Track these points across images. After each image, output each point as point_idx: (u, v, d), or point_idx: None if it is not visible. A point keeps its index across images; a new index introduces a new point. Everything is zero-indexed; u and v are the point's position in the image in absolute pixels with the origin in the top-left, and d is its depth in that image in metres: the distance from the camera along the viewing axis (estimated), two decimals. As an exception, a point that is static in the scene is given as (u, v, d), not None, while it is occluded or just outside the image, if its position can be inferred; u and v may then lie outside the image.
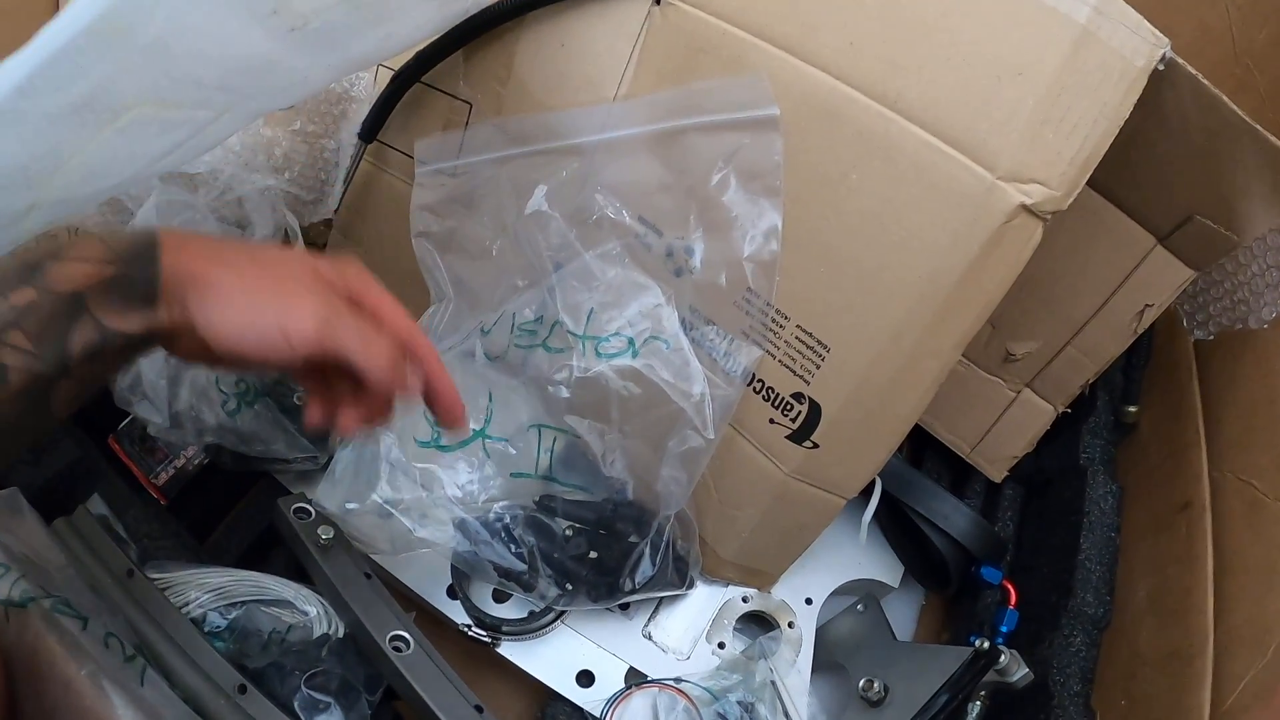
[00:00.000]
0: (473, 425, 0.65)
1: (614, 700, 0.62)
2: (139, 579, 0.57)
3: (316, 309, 0.37)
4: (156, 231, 0.37)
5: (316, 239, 0.80)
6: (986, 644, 0.59)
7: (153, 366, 0.65)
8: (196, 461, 0.70)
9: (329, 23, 0.47)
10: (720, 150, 0.55)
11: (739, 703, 0.61)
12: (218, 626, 0.59)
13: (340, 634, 0.60)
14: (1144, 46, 0.46)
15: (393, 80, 0.66)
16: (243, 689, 0.53)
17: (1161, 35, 0.46)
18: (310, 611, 0.61)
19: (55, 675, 0.51)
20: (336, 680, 0.58)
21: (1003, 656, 0.59)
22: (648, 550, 0.61)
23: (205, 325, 0.35)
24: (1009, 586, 0.67)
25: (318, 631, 0.60)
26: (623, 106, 0.59)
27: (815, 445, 0.57)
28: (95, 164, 0.43)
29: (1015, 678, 0.60)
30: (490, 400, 0.65)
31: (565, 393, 0.60)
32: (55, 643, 0.51)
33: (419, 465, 0.61)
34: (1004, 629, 0.66)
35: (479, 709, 0.57)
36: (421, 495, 0.61)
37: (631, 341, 0.58)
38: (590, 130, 0.60)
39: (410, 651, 0.57)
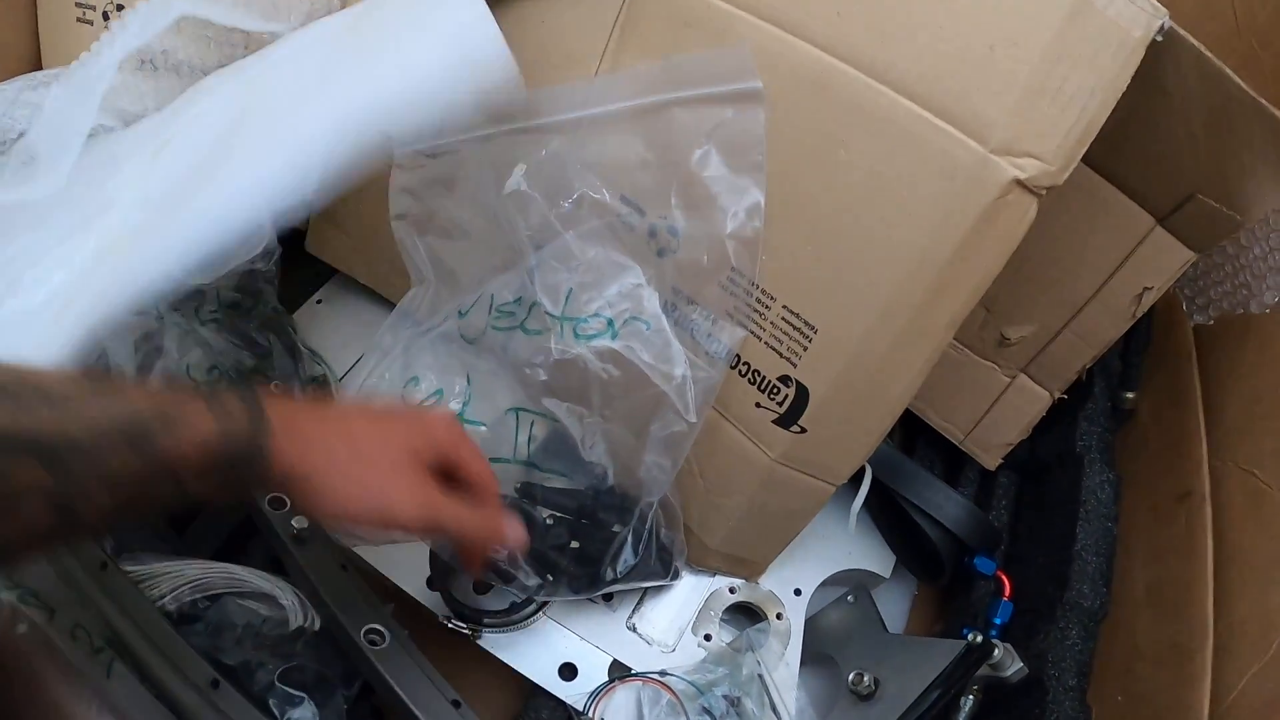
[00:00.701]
0: (451, 409, 0.64)
1: (597, 694, 0.60)
2: (113, 571, 0.56)
3: (413, 498, 0.41)
4: (267, 417, 0.37)
5: (299, 223, 0.78)
6: (979, 638, 0.57)
7: (120, 349, 0.63)
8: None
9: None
10: (702, 125, 0.53)
11: (725, 697, 0.59)
12: (192, 620, 0.58)
13: (316, 626, 0.59)
14: (1142, 16, 0.44)
15: (370, 56, 0.64)
16: (215, 684, 0.52)
17: (1160, 5, 0.44)
18: (286, 604, 0.60)
19: (19, 669, 0.50)
20: (312, 674, 0.57)
21: (996, 650, 0.58)
22: (630, 539, 0.60)
23: (311, 513, 0.42)
24: (1003, 577, 0.66)
25: (294, 624, 0.59)
26: (603, 82, 0.57)
27: (803, 430, 0.55)
28: None
29: (1009, 672, 0.58)
30: (468, 383, 0.64)
31: (543, 375, 0.58)
32: (19, 637, 0.50)
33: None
34: (998, 620, 0.65)
35: (456, 704, 0.55)
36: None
37: (611, 322, 0.56)
38: (570, 107, 0.58)
39: (386, 645, 0.56)
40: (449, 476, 0.45)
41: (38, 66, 0.82)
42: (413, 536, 0.43)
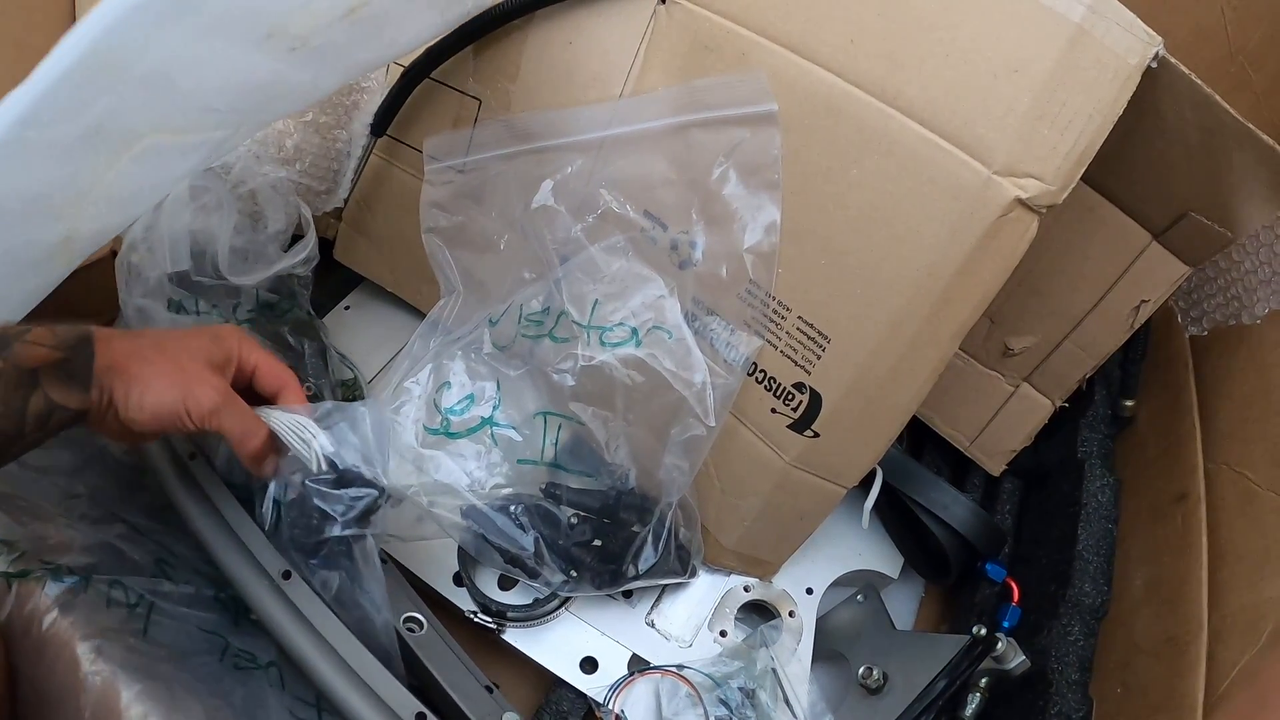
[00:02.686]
0: (480, 412, 0.66)
1: (617, 686, 0.63)
2: (200, 463, 0.58)
3: (210, 395, 0.48)
4: (91, 329, 0.46)
5: (326, 230, 0.81)
6: (984, 630, 0.60)
7: None
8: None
9: (329, 40, 0.48)
10: (721, 145, 0.56)
11: (740, 689, 0.62)
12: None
13: None
14: (1137, 45, 0.47)
15: (403, 76, 0.67)
16: (287, 575, 0.54)
17: (1154, 34, 0.47)
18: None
19: (53, 645, 0.52)
20: None
21: (1000, 644, 0.60)
22: (650, 538, 0.62)
23: (124, 406, 0.46)
24: (1012, 584, 0.68)
25: None
26: (626, 104, 0.60)
27: (816, 434, 0.58)
28: (118, 192, 0.48)
29: (1012, 665, 0.61)
30: (498, 389, 0.67)
31: (570, 381, 0.61)
32: (53, 613, 0.52)
33: (428, 452, 0.63)
34: (1005, 624, 0.66)
35: (490, 689, 0.58)
36: (430, 482, 0.63)
37: (635, 331, 0.59)
38: (595, 127, 0.61)
39: (424, 632, 0.58)
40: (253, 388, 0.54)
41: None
42: (207, 429, 0.49)
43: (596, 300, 0.61)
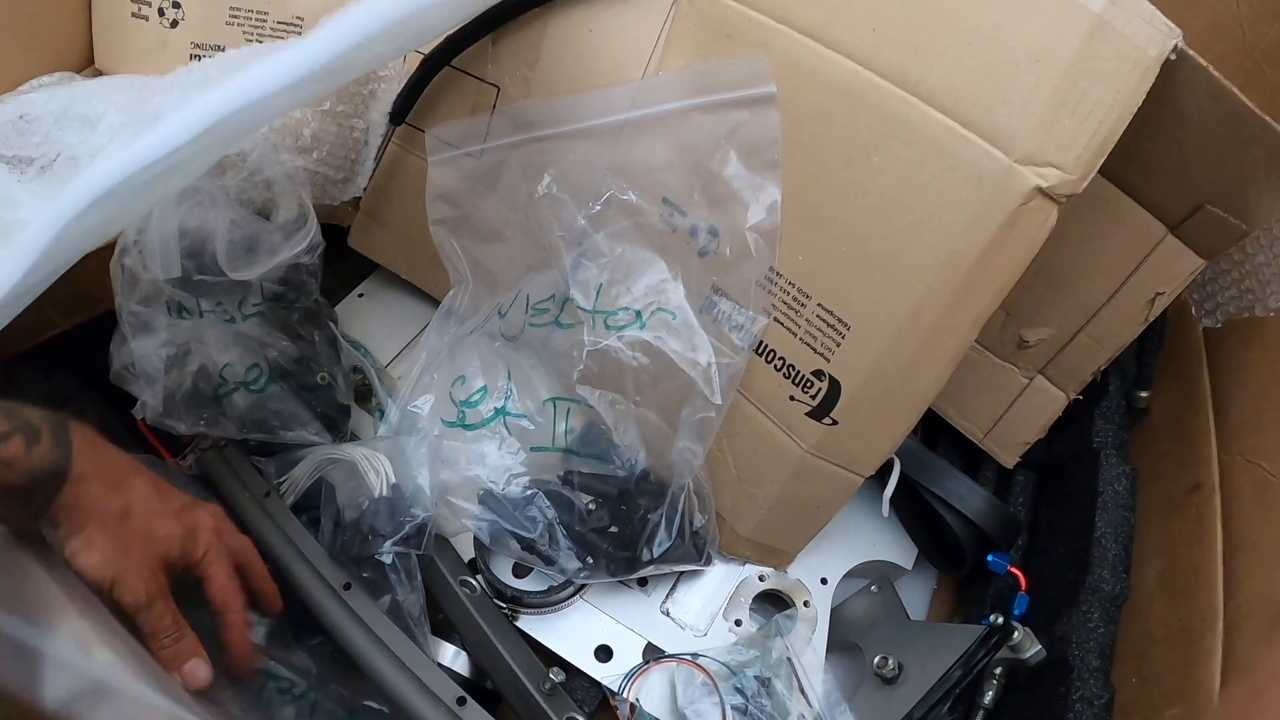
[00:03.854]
0: (494, 403, 0.67)
1: (632, 674, 0.63)
2: (274, 499, 0.67)
3: (138, 591, 0.48)
4: (71, 462, 0.46)
5: (343, 219, 0.81)
6: (1001, 619, 0.60)
7: (151, 342, 0.65)
8: (221, 445, 0.72)
9: None
10: (722, 128, 0.57)
11: (756, 678, 0.62)
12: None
13: None
14: (1157, 36, 0.47)
15: (422, 64, 0.67)
16: (348, 586, 0.62)
17: (1174, 26, 0.47)
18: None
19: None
20: None
21: (1016, 633, 0.61)
22: (663, 521, 0.63)
23: (65, 546, 0.46)
24: (1016, 572, 0.68)
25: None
26: (624, 90, 0.61)
27: (835, 422, 0.58)
28: None
29: (1028, 654, 0.61)
30: (509, 379, 0.67)
31: (579, 366, 0.62)
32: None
33: (447, 443, 0.63)
34: (1016, 612, 0.66)
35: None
36: (450, 474, 0.63)
37: (639, 314, 0.60)
38: (594, 114, 0.62)
39: (478, 594, 0.63)
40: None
41: (90, 61, 0.84)
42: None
43: (601, 285, 0.61)
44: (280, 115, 0.67)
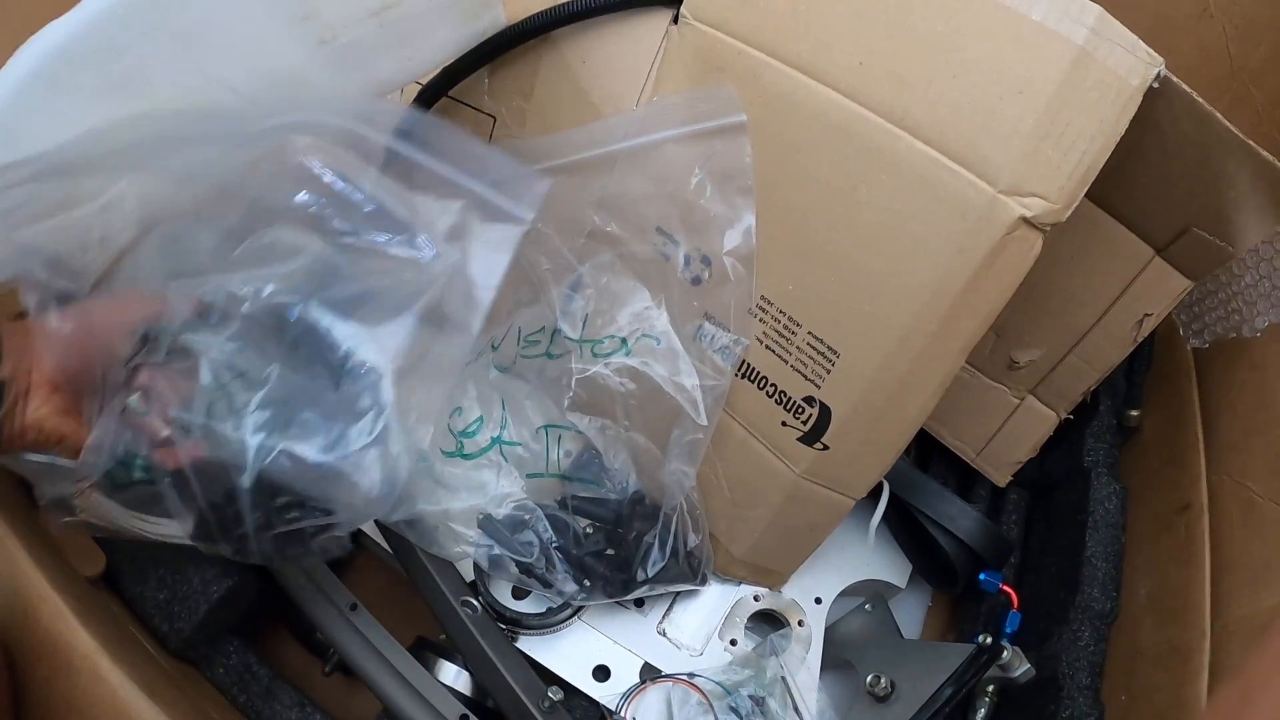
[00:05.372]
0: (490, 433, 0.68)
1: (629, 694, 0.64)
2: None
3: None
4: None
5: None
6: (990, 639, 0.61)
7: None
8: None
9: (357, 39, 0.49)
10: (695, 157, 0.58)
11: (750, 697, 0.63)
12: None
13: None
14: (1139, 66, 0.48)
15: (420, 94, 0.68)
16: (354, 607, 0.64)
17: (1156, 55, 0.48)
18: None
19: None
20: None
21: (1005, 652, 0.61)
22: (656, 542, 0.64)
23: None
24: (1009, 591, 0.69)
25: None
26: (599, 126, 0.62)
27: (826, 447, 0.59)
28: None
29: (1017, 673, 0.62)
30: (504, 409, 0.69)
31: (569, 394, 0.64)
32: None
33: (448, 470, 0.64)
34: (1008, 630, 0.67)
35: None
36: (451, 501, 0.64)
37: (624, 341, 0.62)
38: (577, 150, 0.63)
39: (478, 614, 0.64)
40: None
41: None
42: None
43: (587, 315, 0.63)
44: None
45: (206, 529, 0.46)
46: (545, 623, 0.66)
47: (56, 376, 0.44)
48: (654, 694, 0.64)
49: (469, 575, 0.67)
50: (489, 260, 0.49)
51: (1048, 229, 0.50)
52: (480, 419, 0.67)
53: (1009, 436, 0.73)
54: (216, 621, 0.64)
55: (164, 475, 0.45)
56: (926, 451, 0.79)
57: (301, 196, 0.46)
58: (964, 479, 0.79)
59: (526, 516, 0.64)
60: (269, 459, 0.44)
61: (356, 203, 0.47)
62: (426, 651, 0.67)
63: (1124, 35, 0.48)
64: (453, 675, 0.66)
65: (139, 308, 0.46)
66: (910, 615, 0.77)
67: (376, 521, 0.66)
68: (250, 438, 0.44)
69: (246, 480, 0.44)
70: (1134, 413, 0.74)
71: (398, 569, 0.67)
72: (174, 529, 0.49)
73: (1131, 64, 0.48)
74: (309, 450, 0.44)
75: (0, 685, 0.49)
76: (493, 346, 0.69)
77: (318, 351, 0.46)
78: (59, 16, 0.38)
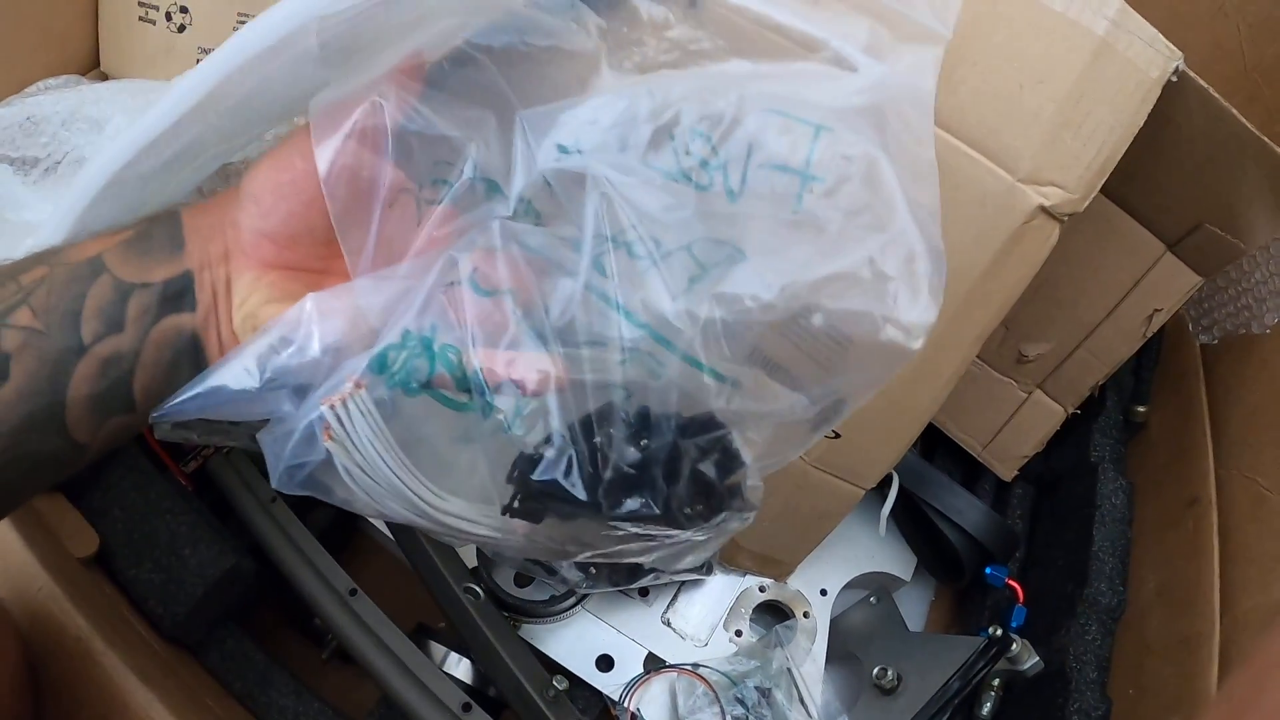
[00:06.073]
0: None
1: (633, 684, 0.63)
2: (279, 504, 0.67)
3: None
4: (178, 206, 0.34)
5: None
6: (999, 631, 0.61)
7: None
8: (225, 452, 0.72)
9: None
10: None
11: (756, 688, 0.62)
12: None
13: None
14: (1158, 59, 0.48)
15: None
16: (353, 592, 0.63)
17: (1175, 48, 0.48)
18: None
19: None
20: None
21: (1014, 645, 0.61)
22: (666, 533, 0.63)
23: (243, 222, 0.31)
24: (1014, 585, 0.69)
25: None
26: None
27: (837, 435, 0.58)
28: None
29: (1026, 666, 0.62)
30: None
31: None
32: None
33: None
34: (1013, 625, 0.67)
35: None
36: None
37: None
38: None
39: (482, 600, 0.63)
40: None
41: (96, 64, 0.84)
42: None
43: None
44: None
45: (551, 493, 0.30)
46: (549, 611, 0.65)
47: (266, 248, 0.31)
48: (658, 684, 0.64)
49: (471, 561, 0.66)
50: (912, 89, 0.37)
51: (1065, 219, 0.50)
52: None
53: (1016, 430, 0.73)
54: (212, 605, 0.63)
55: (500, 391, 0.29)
56: (932, 444, 0.79)
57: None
58: (969, 472, 0.79)
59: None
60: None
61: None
62: (427, 638, 0.66)
63: (1144, 28, 0.48)
64: (454, 662, 0.65)
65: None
66: (913, 608, 0.76)
67: (378, 505, 0.65)
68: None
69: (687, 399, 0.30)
70: (1141, 408, 0.74)
71: (398, 553, 0.67)
72: (474, 500, 0.32)
73: (1151, 56, 0.48)
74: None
75: (15, 672, 0.48)
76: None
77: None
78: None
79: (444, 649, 0.65)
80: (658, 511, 0.31)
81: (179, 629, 0.62)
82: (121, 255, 0.30)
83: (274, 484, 0.29)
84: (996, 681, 0.63)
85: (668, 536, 0.33)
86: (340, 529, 0.75)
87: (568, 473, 0.30)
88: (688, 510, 0.33)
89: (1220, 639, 0.52)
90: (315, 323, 0.29)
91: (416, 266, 0.31)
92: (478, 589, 0.63)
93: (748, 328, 0.30)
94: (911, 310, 0.29)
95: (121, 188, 0.36)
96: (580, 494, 0.30)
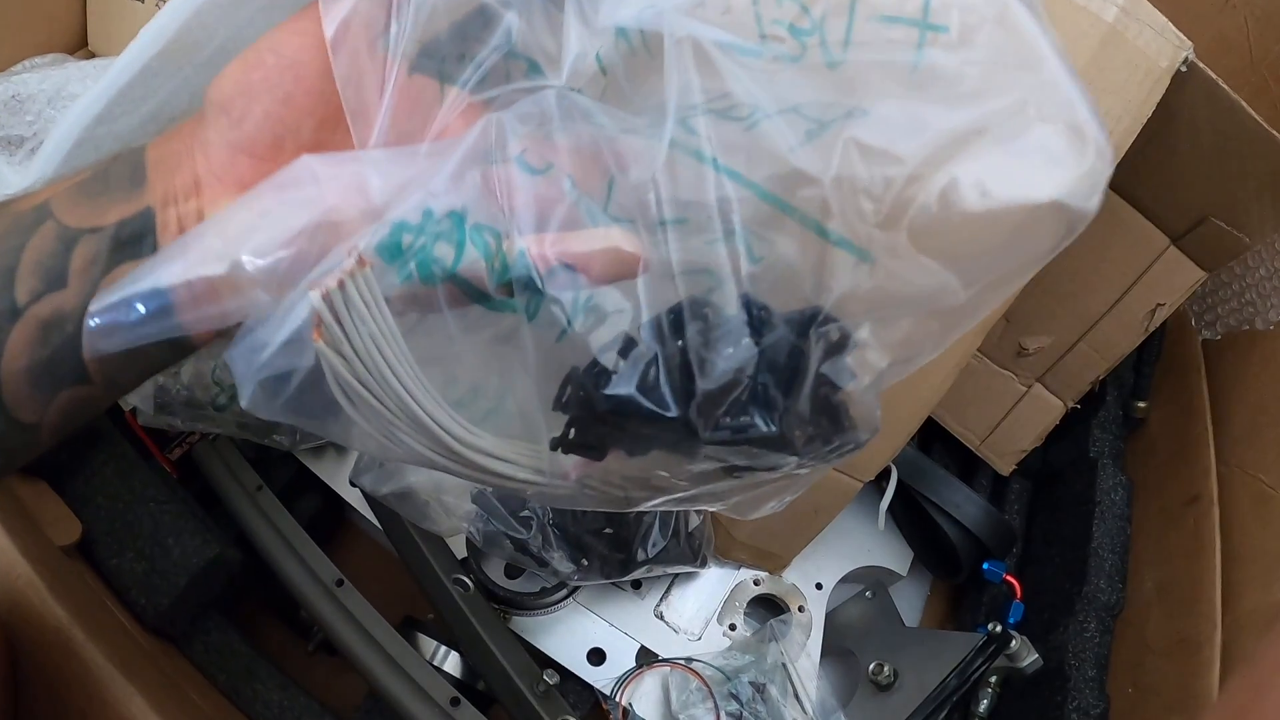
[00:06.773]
0: (486, 403, 0.66)
1: (625, 679, 0.62)
2: (265, 493, 0.66)
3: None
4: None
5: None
6: (999, 628, 0.60)
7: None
8: (211, 439, 0.70)
9: None
10: None
11: (750, 683, 0.61)
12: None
13: None
14: (1168, 48, 0.47)
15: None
16: (340, 583, 0.61)
17: (1185, 38, 0.48)
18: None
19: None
20: None
21: (1014, 641, 0.60)
22: (658, 522, 0.62)
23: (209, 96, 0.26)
24: (1012, 581, 0.68)
25: None
26: None
27: (836, 427, 0.57)
28: None
29: (1025, 663, 0.61)
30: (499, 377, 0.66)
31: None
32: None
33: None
34: (1010, 620, 0.66)
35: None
36: (445, 476, 0.62)
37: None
38: None
39: (470, 593, 0.61)
40: None
41: (83, 42, 0.83)
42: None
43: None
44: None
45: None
46: (539, 603, 0.64)
47: (243, 165, 0.25)
48: (651, 679, 0.63)
49: (460, 552, 0.65)
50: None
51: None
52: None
53: (1015, 424, 0.72)
54: (196, 596, 0.62)
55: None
56: (929, 438, 0.78)
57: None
58: (966, 466, 0.78)
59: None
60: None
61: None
62: (415, 631, 0.65)
63: (1154, 17, 0.47)
64: (442, 655, 0.64)
65: None
66: (908, 603, 0.76)
67: (364, 494, 0.64)
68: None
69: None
70: (1142, 404, 0.74)
71: (386, 544, 0.65)
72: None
73: (1160, 46, 0.47)
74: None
75: None
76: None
77: None
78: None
79: (432, 642, 0.64)
80: (775, 430, 0.24)
81: (162, 620, 0.60)
82: (71, 199, 0.25)
83: (244, 404, 0.22)
84: (994, 678, 0.62)
85: (773, 467, 0.25)
86: (327, 518, 0.73)
87: (651, 386, 0.22)
88: (809, 429, 0.25)
89: (1222, 638, 0.52)
90: (318, 181, 0.22)
91: (441, 145, 0.24)
92: (467, 580, 0.61)
93: (887, 186, 0.23)
94: (1081, 161, 0.22)
95: (98, 145, 0.35)
96: (671, 410, 0.22)
